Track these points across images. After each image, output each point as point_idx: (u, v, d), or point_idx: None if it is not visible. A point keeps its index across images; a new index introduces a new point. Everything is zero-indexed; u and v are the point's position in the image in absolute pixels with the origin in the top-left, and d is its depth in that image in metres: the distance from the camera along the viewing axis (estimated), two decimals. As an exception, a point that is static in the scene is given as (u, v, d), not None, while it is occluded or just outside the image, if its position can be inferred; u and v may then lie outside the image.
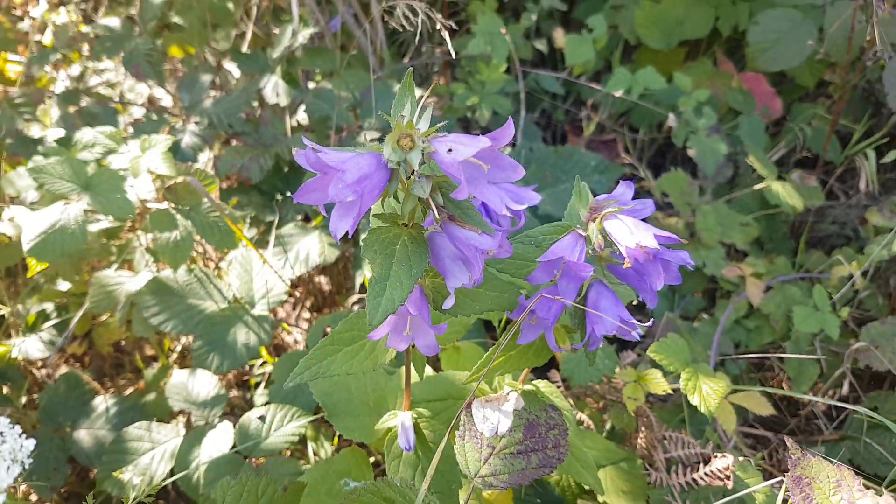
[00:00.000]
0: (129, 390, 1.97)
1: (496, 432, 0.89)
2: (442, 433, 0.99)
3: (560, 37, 2.44)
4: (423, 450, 0.97)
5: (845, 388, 1.70)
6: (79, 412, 1.73)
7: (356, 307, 1.97)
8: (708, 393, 1.12)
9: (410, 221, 0.74)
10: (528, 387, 1.00)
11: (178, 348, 2.04)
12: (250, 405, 1.83)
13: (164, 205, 1.62)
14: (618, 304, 0.77)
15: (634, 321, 0.76)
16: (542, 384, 1.01)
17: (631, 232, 0.72)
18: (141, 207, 1.68)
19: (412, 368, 0.94)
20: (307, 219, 2.09)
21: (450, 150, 0.63)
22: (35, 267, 1.61)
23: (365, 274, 1.88)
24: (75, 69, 2.48)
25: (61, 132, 1.99)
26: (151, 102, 2.56)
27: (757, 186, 2.10)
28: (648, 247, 0.71)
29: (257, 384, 1.93)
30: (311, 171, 0.67)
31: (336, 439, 1.55)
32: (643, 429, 1.25)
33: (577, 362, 1.29)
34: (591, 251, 0.76)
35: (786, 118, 2.41)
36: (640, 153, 2.43)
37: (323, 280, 2.18)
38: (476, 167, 0.64)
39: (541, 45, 2.42)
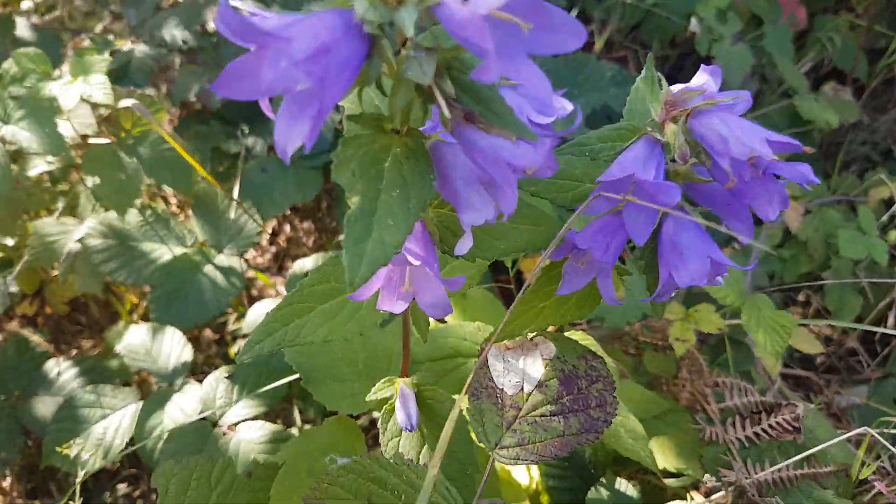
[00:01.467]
0: (93, 353, 1.76)
1: (522, 388, 0.69)
2: (450, 402, 0.79)
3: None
4: (427, 425, 0.77)
5: (891, 321, 1.52)
6: (31, 378, 1.52)
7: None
8: (774, 329, 0.93)
9: (404, 126, 0.51)
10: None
11: (144, 304, 1.82)
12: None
13: (105, 140, 1.37)
14: (706, 240, 0.55)
15: (728, 261, 0.54)
16: (572, 332, 0.80)
17: (736, 135, 0.49)
18: (81, 142, 1.42)
19: (412, 326, 0.73)
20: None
21: None
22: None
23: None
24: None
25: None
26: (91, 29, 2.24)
27: (787, 101, 1.87)
28: (762, 156, 0.49)
29: (234, 340, 1.72)
30: (241, 48, 0.43)
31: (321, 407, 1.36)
32: (688, 375, 1.06)
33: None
34: (669, 164, 0.54)
35: (809, 30, 2.16)
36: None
37: (306, 226, 1.94)
38: (510, 27, 0.41)
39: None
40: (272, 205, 1.60)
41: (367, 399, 0.79)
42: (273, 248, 1.96)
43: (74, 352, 1.80)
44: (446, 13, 0.41)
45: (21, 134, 1.24)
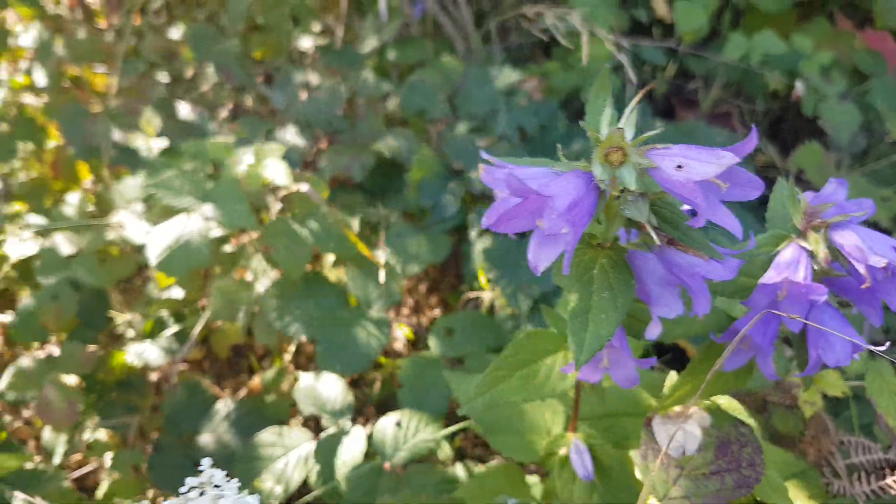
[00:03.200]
0: (244, 391, 2.00)
1: (683, 452, 0.81)
2: (612, 455, 0.93)
3: (661, 4, 2.30)
4: (597, 474, 0.90)
5: None
6: (200, 417, 1.75)
7: (469, 305, 1.92)
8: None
9: (608, 242, 0.67)
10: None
11: (292, 349, 2.05)
12: (374, 406, 1.81)
13: (281, 216, 1.60)
14: (846, 326, 0.68)
15: (864, 343, 0.66)
16: (721, 399, 0.92)
17: (870, 245, 0.62)
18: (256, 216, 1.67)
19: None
20: (412, 216, 2.04)
21: (679, 167, 0.55)
22: (164, 281, 1.62)
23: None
24: (164, 76, 2.50)
25: (165, 142, 2.01)
26: (239, 106, 2.57)
27: (896, 154, 1.91)
28: (891, 261, 0.61)
29: (370, 384, 1.91)
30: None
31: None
32: (815, 434, 1.15)
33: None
34: (815, 267, 0.67)
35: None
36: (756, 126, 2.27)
37: (424, 287, 2.14)
38: (709, 185, 0.56)
39: (640, 14, 2.27)
40: (411, 264, 1.79)
41: (542, 451, 0.94)
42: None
43: (230, 390, 2.04)
44: (662, 176, 0.56)
45: (218, 211, 1.49)
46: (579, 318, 0.63)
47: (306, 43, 2.42)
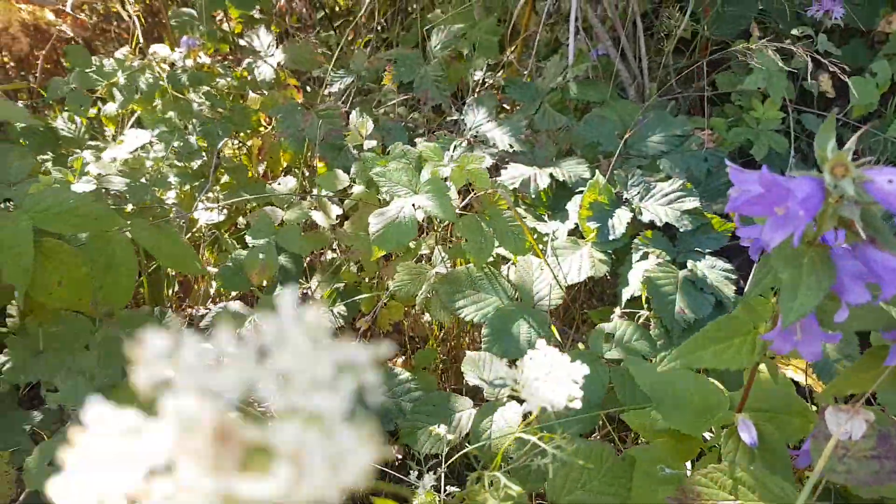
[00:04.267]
0: (399, 362, 2.28)
1: (850, 437, 0.97)
2: (773, 433, 1.09)
3: (826, 81, 2.42)
4: (759, 446, 1.07)
5: None
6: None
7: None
8: None
9: (815, 240, 0.86)
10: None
11: (440, 335, 2.31)
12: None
13: (473, 213, 1.88)
14: None
15: None
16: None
17: None
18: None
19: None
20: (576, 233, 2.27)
21: (890, 181, 0.75)
22: (376, 252, 1.92)
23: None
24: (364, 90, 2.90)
25: (373, 142, 2.36)
26: (428, 122, 2.92)
27: None
28: None
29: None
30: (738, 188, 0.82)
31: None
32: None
33: None
34: None
35: None
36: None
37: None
38: (914, 198, 0.75)
39: (809, 86, 2.41)
40: (570, 274, 2.01)
41: (711, 424, 1.12)
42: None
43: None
44: (875, 187, 0.76)
45: (426, 203, 1.78)
46: (790, 290, 0.82)
47: (479, 75, 2.74)
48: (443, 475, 1.47)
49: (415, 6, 3.29)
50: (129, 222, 1.38)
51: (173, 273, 2.31)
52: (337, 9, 3.65)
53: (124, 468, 0.24)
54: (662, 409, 1.21)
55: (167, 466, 0.24)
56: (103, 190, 1.79)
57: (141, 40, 2.80)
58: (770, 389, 1.14)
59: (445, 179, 1.86)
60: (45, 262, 1.06)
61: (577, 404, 0.80)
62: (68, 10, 2.73)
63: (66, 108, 2.38)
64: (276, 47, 2.77)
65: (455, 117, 2.56)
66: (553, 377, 0.83)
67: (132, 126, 2.54)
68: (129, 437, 0.25)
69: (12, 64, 2.80)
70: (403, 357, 2.35)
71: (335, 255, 2.47)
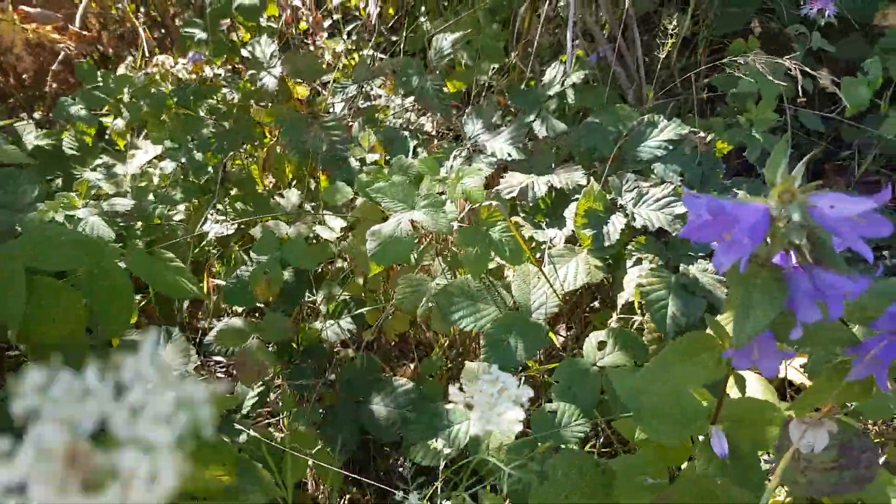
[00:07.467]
0: (405, 373, 2.34)
1: (812, 449, 1.00)
2: (744, 444, 1.13)
3: (825, 77, 2.42)
4: (730, 456, 1.11)
5: None
6: (370, 389, 2.10)
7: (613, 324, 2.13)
8: None
9: (766, 262, 0.89)
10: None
11: (446, 343, 2.37)
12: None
13: (470, 224, 1.93)
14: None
15: None
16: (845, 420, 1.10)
17: None
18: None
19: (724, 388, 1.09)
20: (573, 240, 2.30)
21: (832, 207, 0.78)
22: (374, 269, 1.99)
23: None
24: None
25: (376, 156, 2.42)
26: (426, 132, 2.97)
27: None
28: None
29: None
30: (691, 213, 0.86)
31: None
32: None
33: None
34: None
35: None
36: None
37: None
38: (851, 221, 0.78)
39: (806, 84, 2.41)
40: (567, 281, 2.04)
41: (688, 434, 1.16)
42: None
43: (390, 373, 2.39)
44: (818, 212, 0.79)
45: (422, 218, 1.83)
46: (742, 309, 0.86)
47: (485, 80, 2.78)
48: (439, 488, 1.53)
49: (422, 8, 3.33)
50: (122, 253, 1.43)
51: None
52: (346, 16, 3.71)
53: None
54: (641, 419, 1.25)
55: (20, 487, 0.30)
56: (111, 211, 1.87)
57: (146, 53, 2.87)
58: (746, 398, 1.18)
59: (442, 193, 1.91)
60: (40, 302, 1.10)
61: (518, 427, 0.85)
62: (76, 25, 2.82)
63: (71, 125, 2.43)
64: (279, 57, 2.83)
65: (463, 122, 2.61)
66: (501, 400, 0.88)
67: (142, 137, 2.62)
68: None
69: (16, 82, 2.88)
70: (413, 366, 2.41)
71: (343, 266, 2.54)
